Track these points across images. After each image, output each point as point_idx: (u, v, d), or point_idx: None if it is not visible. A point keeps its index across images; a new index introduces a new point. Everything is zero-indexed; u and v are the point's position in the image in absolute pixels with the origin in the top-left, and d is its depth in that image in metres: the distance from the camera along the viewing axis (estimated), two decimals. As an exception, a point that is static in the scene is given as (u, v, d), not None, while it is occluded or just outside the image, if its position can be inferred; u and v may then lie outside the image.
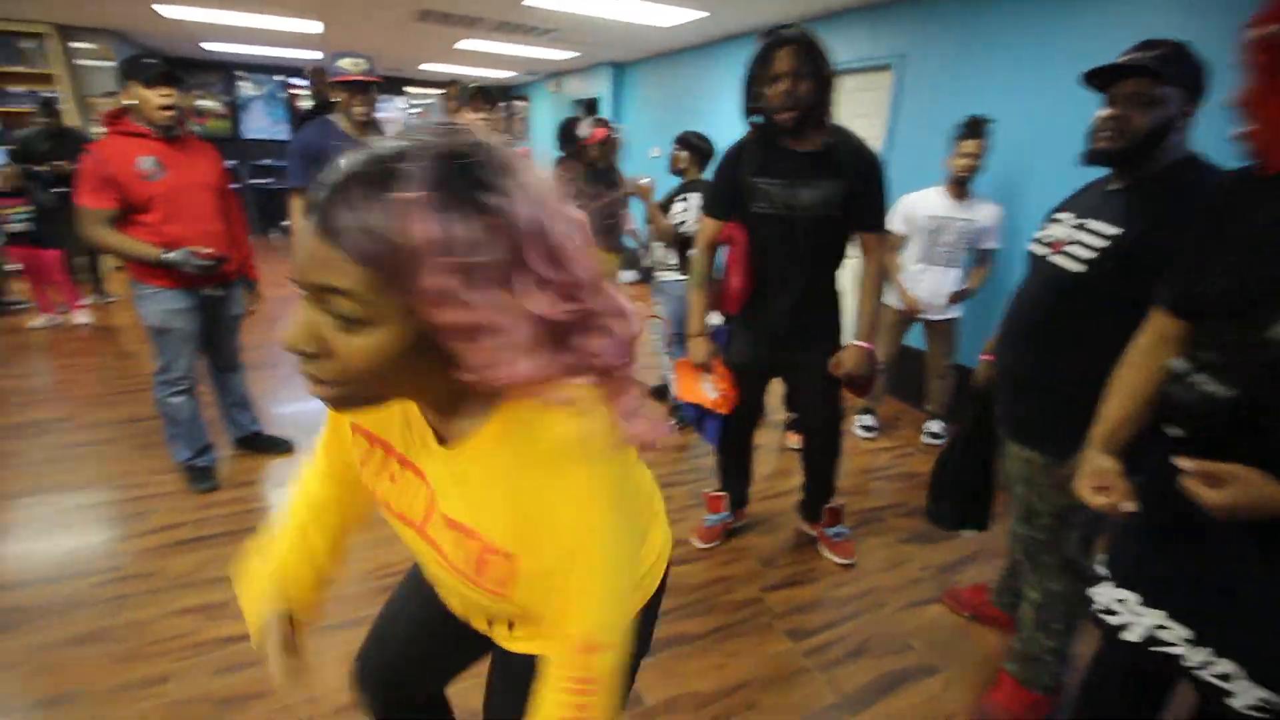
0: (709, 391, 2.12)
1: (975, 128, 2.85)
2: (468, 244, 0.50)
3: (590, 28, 5.03)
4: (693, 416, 2.26)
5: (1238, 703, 0.95)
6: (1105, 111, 1.35)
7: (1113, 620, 1.13)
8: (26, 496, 2.50)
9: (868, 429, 3.42)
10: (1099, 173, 1.46)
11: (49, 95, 5.21)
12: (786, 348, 2.06)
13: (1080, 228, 1.41)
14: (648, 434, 0.67)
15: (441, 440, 0.69)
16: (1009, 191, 3.09)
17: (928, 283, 3.04)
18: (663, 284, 3.22)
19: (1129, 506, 1.07)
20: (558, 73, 8.18)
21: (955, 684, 1.83)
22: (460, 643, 0.96)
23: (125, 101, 2.22)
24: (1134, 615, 1.09)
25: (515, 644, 0.86)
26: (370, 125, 2.53)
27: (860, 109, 3.94)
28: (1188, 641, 1.02)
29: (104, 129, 2.25)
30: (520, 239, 0.52)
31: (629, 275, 3.65)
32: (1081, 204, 1.47)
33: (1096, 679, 1.31)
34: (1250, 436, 0.93)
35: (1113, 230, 1.34)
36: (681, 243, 3.06)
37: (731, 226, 2.00)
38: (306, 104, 6.99)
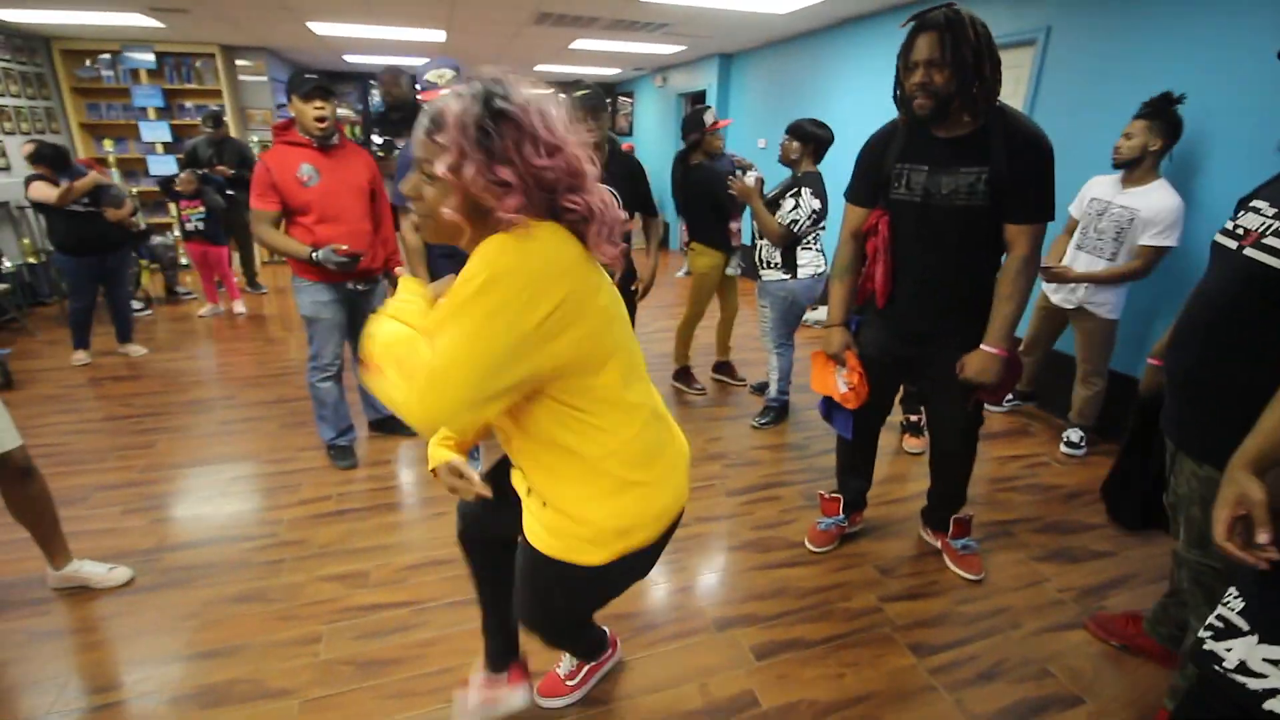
0: (840, 385, 2.06)
1: (1147, 106, 2.61)
2: (485, 134, 0.87)
3: (703, 20, 4.99)
4: (823, 409, 2.22)
5: None
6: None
7: (1256, 684, 0.95)
8: (195, 466, 2.82)
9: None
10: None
11: (216, 108, 5.83)
12: (921, 344, 1.94)
13: None
14: (612, 257, 1.00)
15: None
16: (1180, 184, 2.72)
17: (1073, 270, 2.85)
18: (767, 284, 3.13)
19: (1273, 555, 0.91)
20: (664, 67, 8.19)
21: (1102, 718, 1.67)
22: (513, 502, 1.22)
23: (290, 113, 2.45)
24: None
25: (530, 521, 1.13)
26: None
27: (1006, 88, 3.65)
28: None
29: (272, 139, 2.49)
30: (528, 126, 0.89)
31: (733, 270, 3.59)
32: None
33: None
34: None
35: None
36: (790, 241, 2.98)
37: (878, 215, 1.91)
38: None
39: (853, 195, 1.97)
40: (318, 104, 2.38)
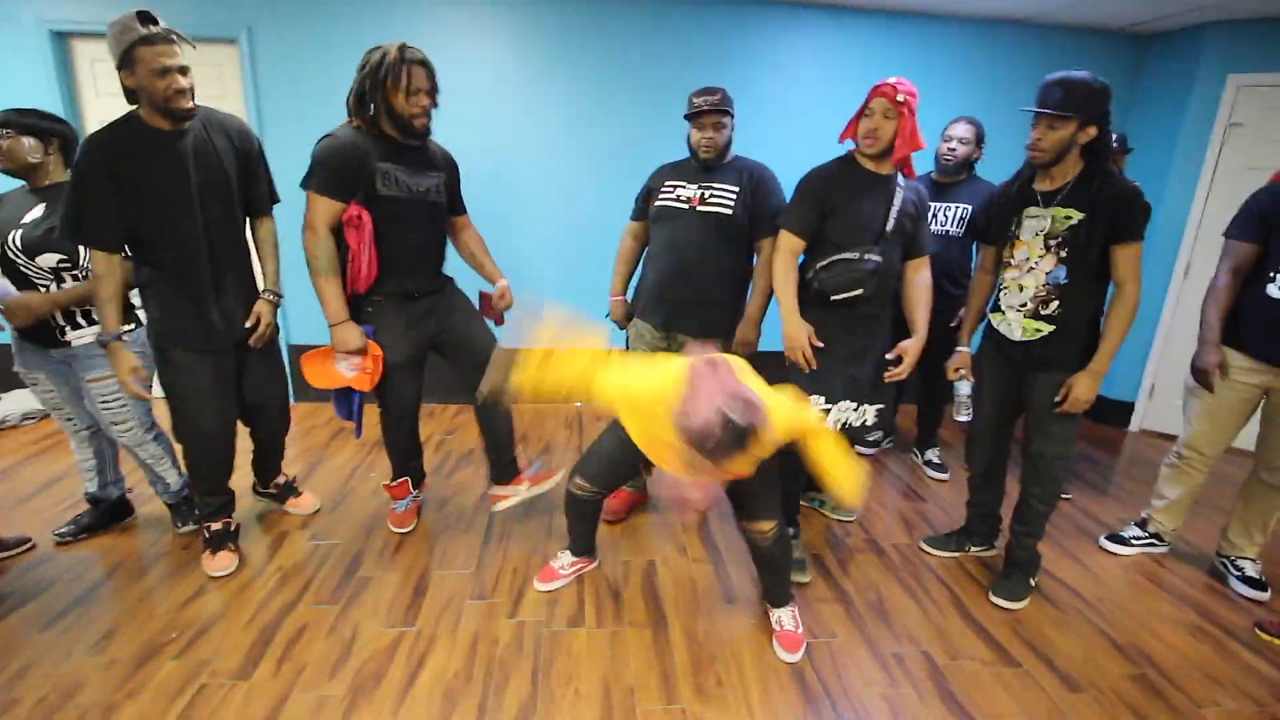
0: (347, 370, 2.20)
1: None
2: None
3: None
4: (343, 411, 2.35)
5: None
6: None
7: None
8: None
9: None
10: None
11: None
12: (432, 295, 2.34)
13: None
14: None
15: None
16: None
17: None
18: (95, 348, 2.19)
19: None
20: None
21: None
22: None
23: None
24: None
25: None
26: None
27: (209, 89, 3.36)
28: None
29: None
30: None
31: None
32: None
33: None
34: None
35: None
36: None
37: (357, 208, 2.08)
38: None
39: (332, 190, 2.06)
40: None
